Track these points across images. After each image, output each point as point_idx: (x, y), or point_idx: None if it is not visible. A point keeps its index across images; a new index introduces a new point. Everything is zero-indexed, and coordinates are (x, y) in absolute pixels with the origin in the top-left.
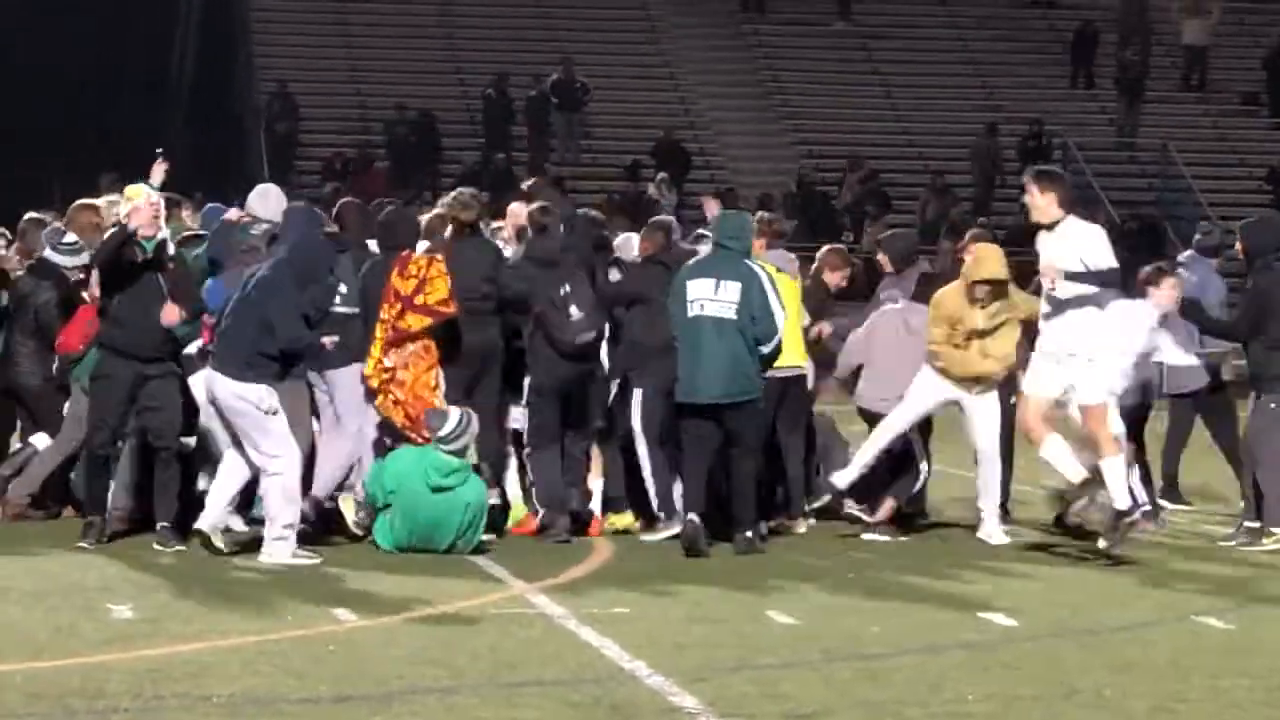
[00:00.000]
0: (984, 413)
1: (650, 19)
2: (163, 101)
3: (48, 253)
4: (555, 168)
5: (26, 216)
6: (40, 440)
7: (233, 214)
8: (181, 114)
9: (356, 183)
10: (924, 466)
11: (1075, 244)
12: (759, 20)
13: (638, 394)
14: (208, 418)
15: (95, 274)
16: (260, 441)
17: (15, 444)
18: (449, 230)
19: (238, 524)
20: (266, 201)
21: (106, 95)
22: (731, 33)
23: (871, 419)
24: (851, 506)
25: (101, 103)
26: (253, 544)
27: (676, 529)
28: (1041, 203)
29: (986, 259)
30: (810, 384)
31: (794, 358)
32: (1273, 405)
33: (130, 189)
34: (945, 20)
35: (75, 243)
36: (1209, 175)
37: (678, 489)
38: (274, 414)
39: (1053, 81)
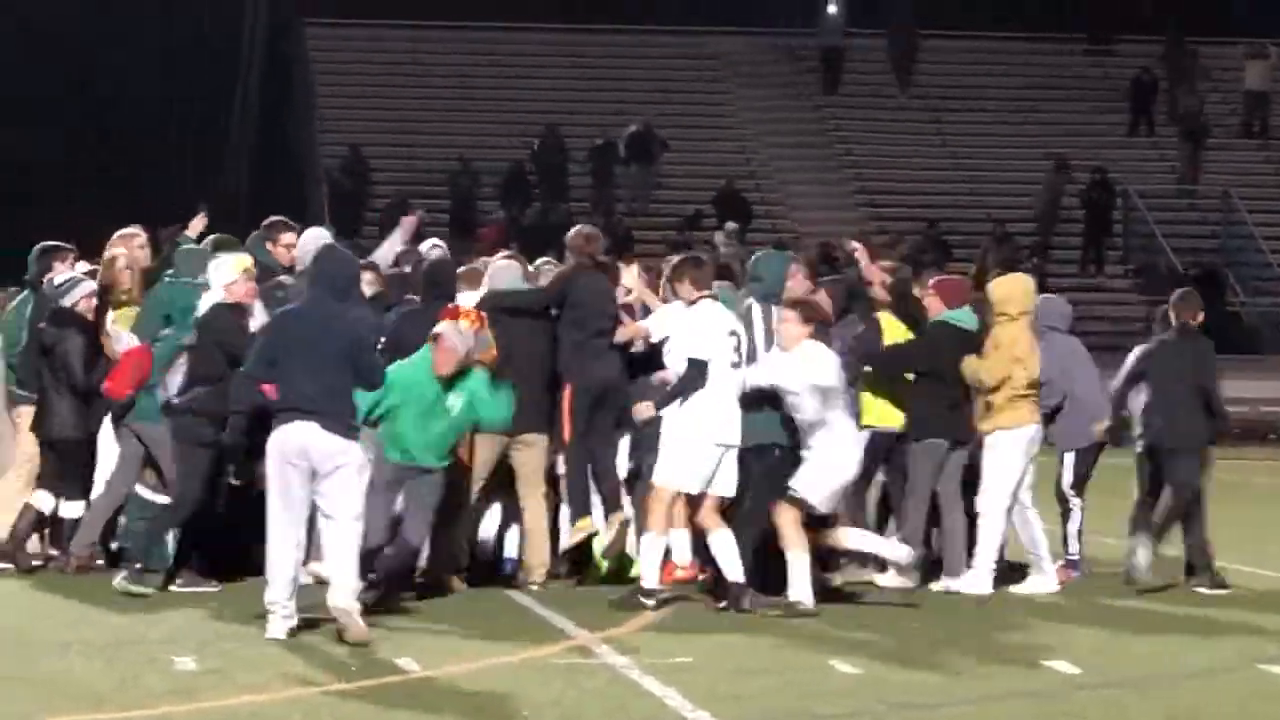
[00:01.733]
0: None
1: (712, 69)
2: (224, 153)
3: (62, 302)
4: (622, 218)
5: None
6: (43, 500)
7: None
8: (243, 166)
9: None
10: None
11: None
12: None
13: None
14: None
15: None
16: (359, 497)
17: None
18: (572, 264)
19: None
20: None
21: (169, 147)
22: (792, 84)
23: None
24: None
25: (164, 154)
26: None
27: None
28: None
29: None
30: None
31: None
32: None
33: (236, 260)
34: (1004, 69)
35: (67, 280)
36: (1271, 222)
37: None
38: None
39: (1113, 129)
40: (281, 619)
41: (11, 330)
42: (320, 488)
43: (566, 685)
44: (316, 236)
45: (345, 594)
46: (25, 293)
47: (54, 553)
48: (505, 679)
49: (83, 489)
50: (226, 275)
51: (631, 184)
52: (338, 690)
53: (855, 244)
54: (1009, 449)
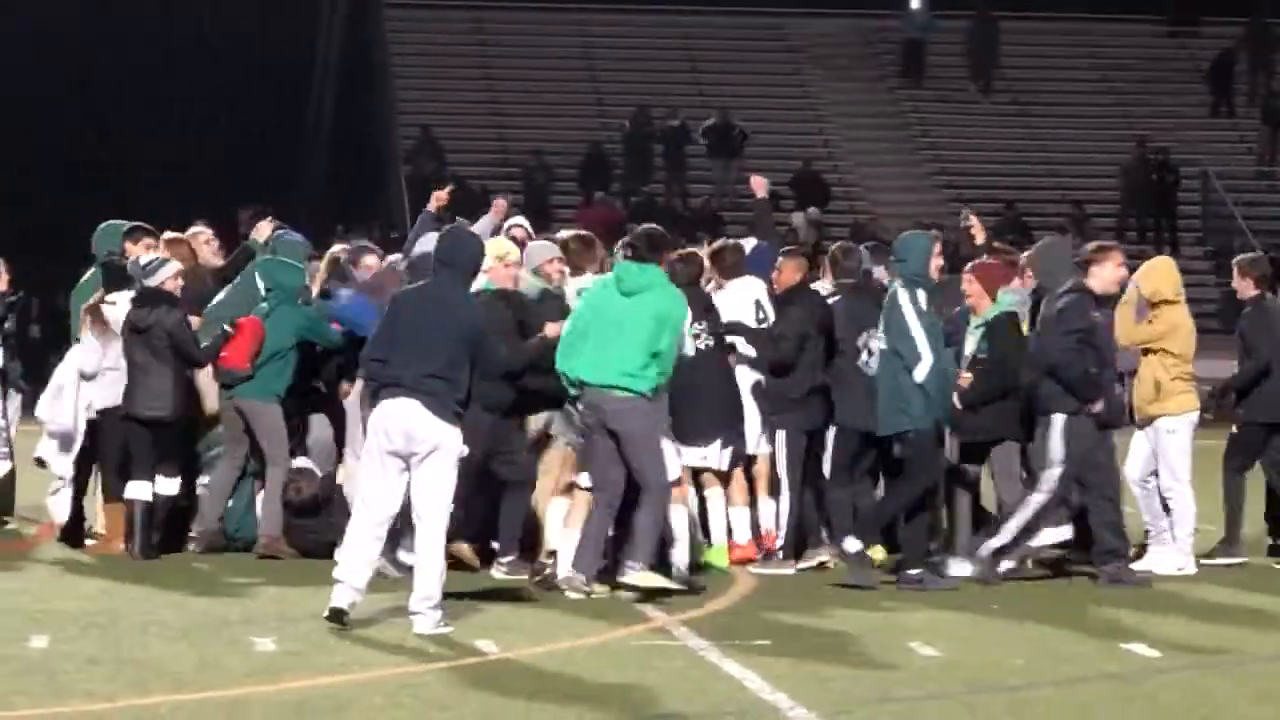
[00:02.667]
0: None
1: (790, 50)
2: (303, 139)
3: (148, 282)
4: (709, 199)
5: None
6: (139, 490)
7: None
8: (323, 152)
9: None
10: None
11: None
12: (895, 46)
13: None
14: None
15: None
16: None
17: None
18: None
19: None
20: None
21: (249, 132)
22: (870, 66)
23: None
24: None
25: (245, 139)
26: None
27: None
28: None
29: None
30: None
31: None
32: None
33: (499, 243)
34: (1085, 51)
35: (153, 260)
36: None
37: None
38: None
39: (1194, 111)
40: (347, 590)
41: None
42: (414, 472)
43: (645, 668)
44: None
45: (421, 600)
46: (93, 270)
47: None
48: (584, 661)
49: (180, 466)
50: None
51: (713, 177)
52: (417, 672)
53: (972, 218)
54: (1186, 432)
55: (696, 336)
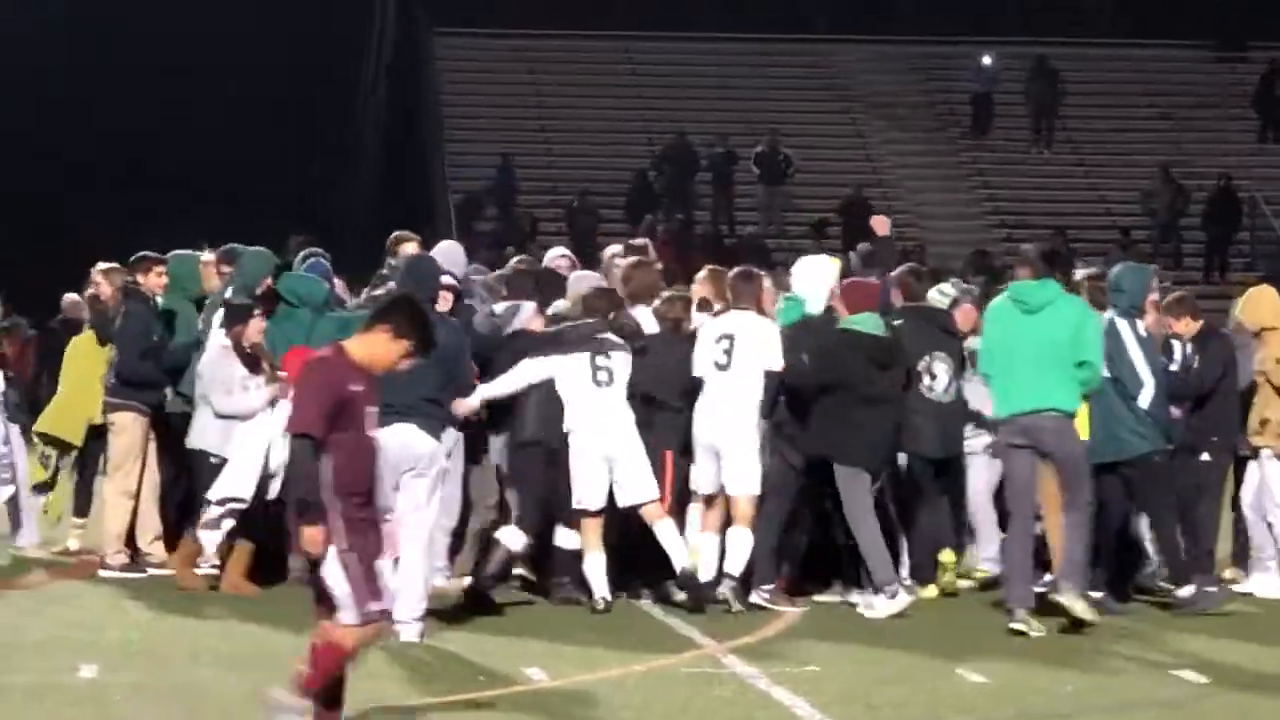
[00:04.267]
0: None
1: (836, 77)
2: (351, 165)
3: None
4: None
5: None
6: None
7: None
8: (371, 178)
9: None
10: None
11: None
12: (945, 72)
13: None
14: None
15: None
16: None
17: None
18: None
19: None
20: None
21: (299, 158)
22: (917, 89)
23: None
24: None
25: (296, 165)
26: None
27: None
28: None
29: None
30: None
31: None
32: None
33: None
34: (1133, 76)
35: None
36: None
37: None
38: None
39: (1242, 136)
40: (412, 623)
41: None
42: (404, 485)
43: (694, 694)
44: (449, 249)
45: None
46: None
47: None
48: (633, 689)
49: None
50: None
51: (761, 204)
52: (465, 700)
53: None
54: None
55: None
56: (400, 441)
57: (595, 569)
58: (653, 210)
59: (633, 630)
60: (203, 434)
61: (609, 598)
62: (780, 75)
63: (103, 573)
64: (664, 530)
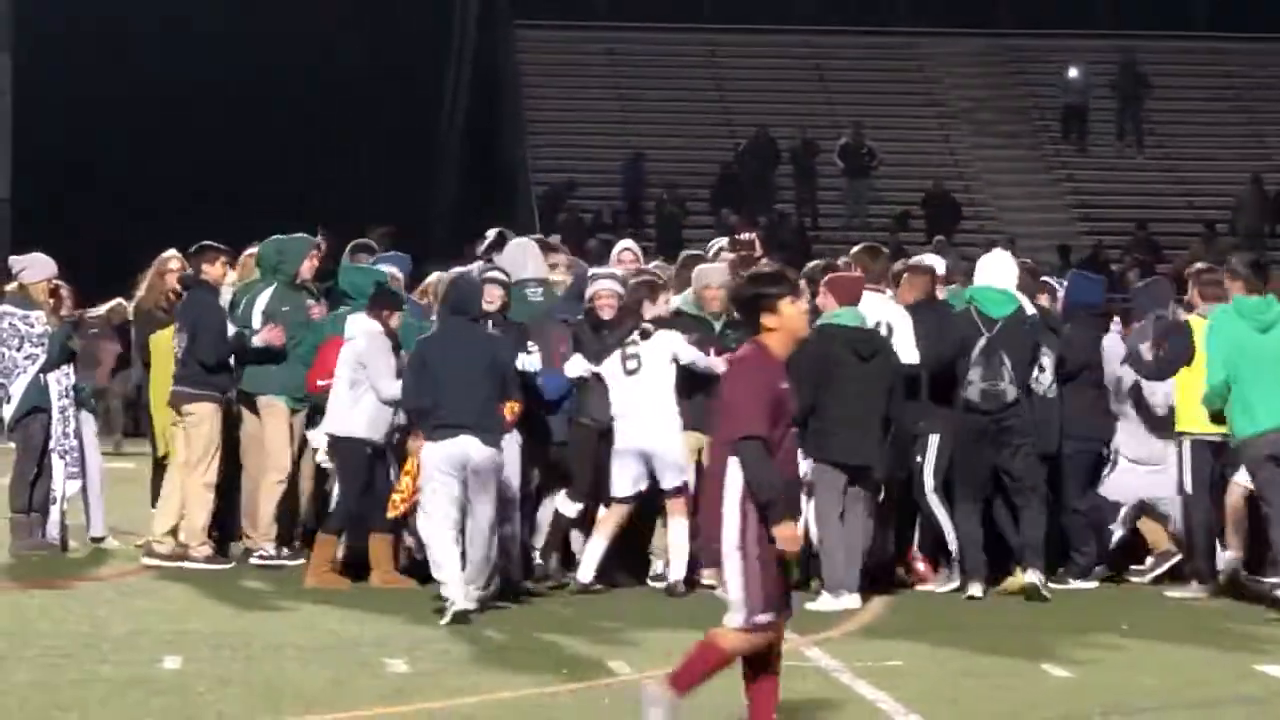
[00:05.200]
0: None
1: (919, 69)
2: (433, 155)
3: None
4: (839, 232)
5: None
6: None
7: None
8: (453, 171)
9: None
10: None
11: None
12: (1025, 65)
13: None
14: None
15: None
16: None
17: None
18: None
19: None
20: (528, 259)
21: (379, 149)
22: (999, 81)
23: None
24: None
25: (375, 156)
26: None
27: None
28: None
29: None
30: None
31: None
32: None
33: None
34: (1216, 69)
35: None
36: None
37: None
38: None
39: None
40: (460, 603)
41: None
42: (471, 496)
43: None
44: (521, 249)
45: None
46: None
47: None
48: (716, 683)
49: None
50: None
51: (846, 197)
52: (549, 693)
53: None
54: None
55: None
56: (461, 452)
57: (592, 552)
58: (737, 204)
59: (717, 623)
60: (354, 421)
61: (586, 582)
62: (863, 68)
63: (188, 564)
64: (675, 529)
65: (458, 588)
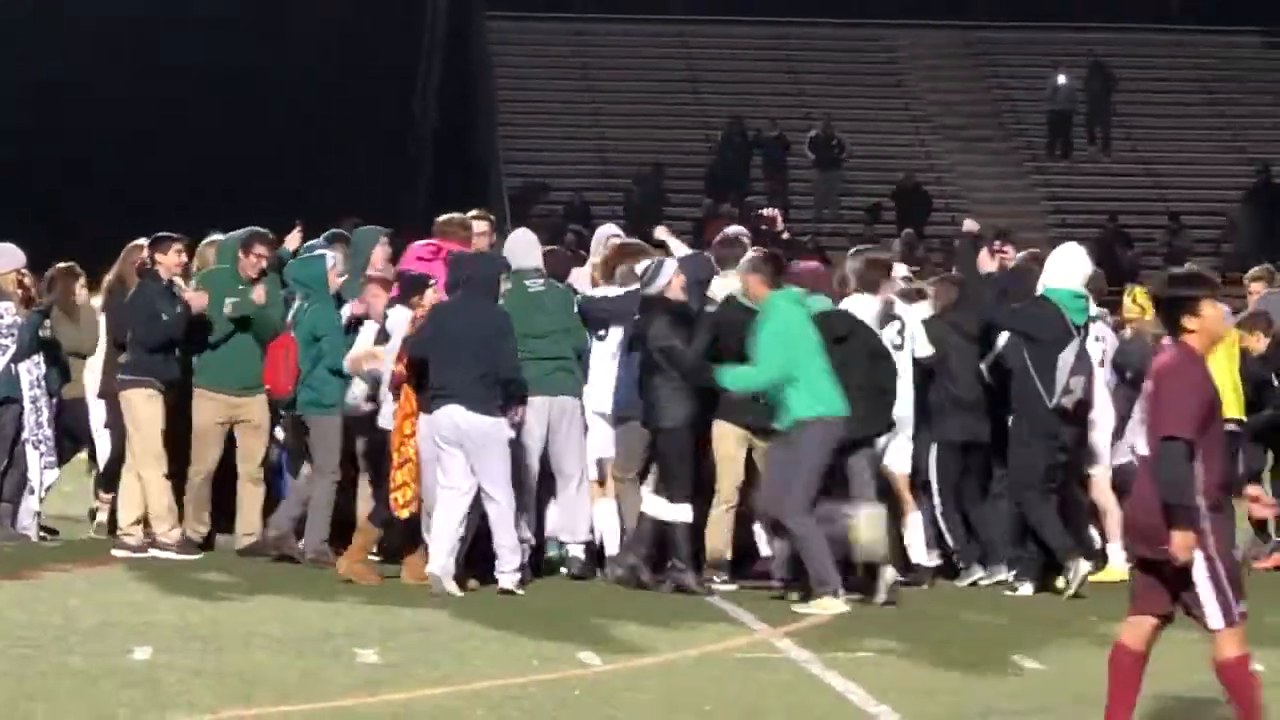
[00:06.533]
0: None
1: (890, 62)
2: (405, 149)
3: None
4: (809, 224)
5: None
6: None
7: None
8: (426, 162)
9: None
10: None
11: None
12: (997, 57)
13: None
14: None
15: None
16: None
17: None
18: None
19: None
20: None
21: (350, 143)
22: (970, 74)
23: None
24: None
25: (344, 150)
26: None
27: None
28: None
29: None
30: None
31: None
32: None
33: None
34: (1186, 61)
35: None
36: None
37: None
38: None
39: None
40: (446, 579)
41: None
42: (474, 465)
43: (747, 680)
44: (526, 237)
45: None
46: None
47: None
48: (686, 673)
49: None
50: None
51: (817, 190)
52: (519, 684)
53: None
54: None
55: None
56: (449, 420)
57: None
58: (716, 194)
59: (687, 615)
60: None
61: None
62: (833, 60)
63: (159, 553)
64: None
65: (439, 560)
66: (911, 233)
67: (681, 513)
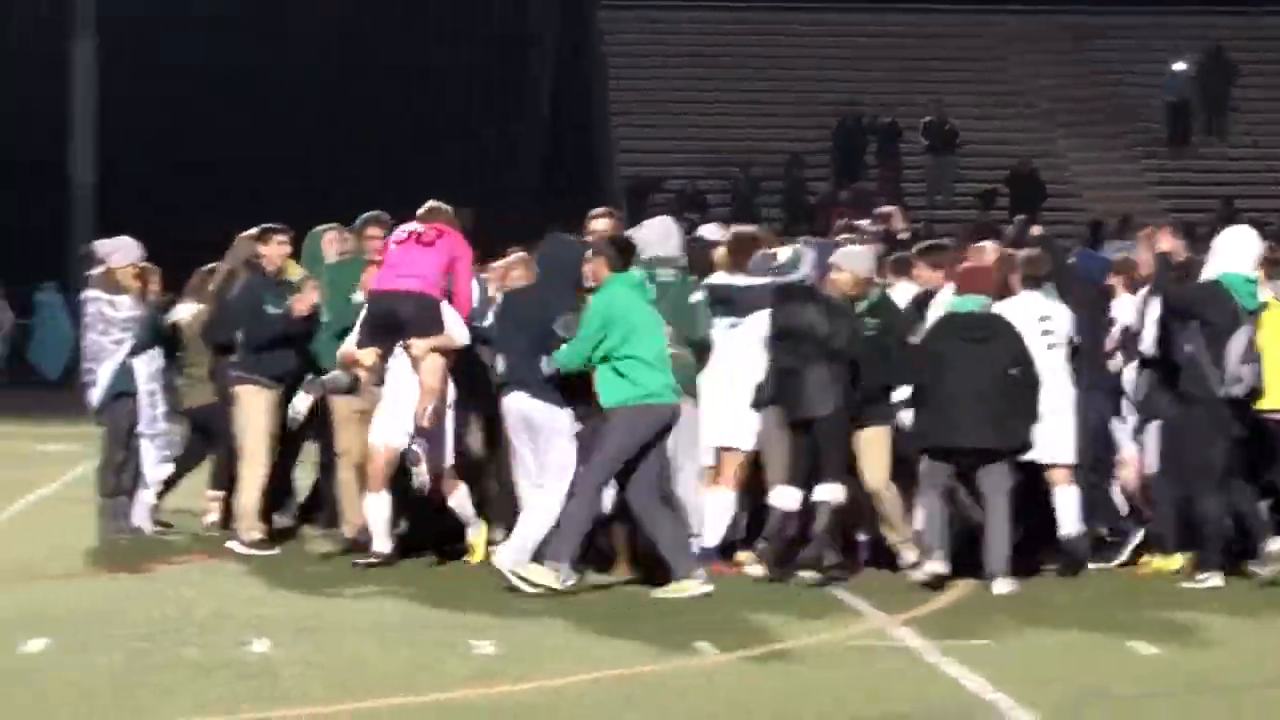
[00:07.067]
0: None
1: (1003, 46)
2: (519, 139)
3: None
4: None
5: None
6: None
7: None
8: (538, 153)
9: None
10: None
11: None
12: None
13: None
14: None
15: None
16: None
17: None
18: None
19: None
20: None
21: (467, 135)
22: (1083, 60)
23: None
24: None
25: (463, 143)
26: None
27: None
28: None
29: None
30: None
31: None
32: None
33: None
34: None
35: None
36: None
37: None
38: None
39: None
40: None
41: None
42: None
43: (863, 668)
44: (663, 226)
45: (513, 552)
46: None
47: None
48: (802, 662)
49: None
50: None
51: (930, 175)
52: (635, 674)
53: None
54: None
55: None
56: (514, 406)
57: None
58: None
59: (802, 603)
60: None
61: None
62: (944, 46)
63: (236, 546)
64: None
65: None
66: (1025, 218)
67: (838, 493)
